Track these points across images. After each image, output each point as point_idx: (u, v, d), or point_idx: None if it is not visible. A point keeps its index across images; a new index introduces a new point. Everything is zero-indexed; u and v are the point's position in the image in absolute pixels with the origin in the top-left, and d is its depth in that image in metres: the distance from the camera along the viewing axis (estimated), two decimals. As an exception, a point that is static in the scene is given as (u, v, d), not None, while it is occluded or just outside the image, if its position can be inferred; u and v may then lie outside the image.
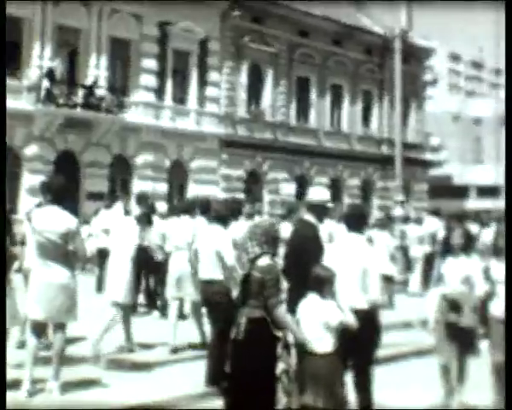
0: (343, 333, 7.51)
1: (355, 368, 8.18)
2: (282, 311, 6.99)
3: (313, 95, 47.04)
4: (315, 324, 7.42)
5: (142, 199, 15.62)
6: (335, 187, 47.68)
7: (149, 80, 38.80)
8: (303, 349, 7.45)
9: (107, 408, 8.70)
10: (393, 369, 10.97)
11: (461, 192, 66.48)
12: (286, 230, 11.29)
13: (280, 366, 6.92)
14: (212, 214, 11.29)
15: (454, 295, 9.12)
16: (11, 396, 8.28)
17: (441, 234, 17.95)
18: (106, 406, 8.73)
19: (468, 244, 9.51)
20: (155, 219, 16.29)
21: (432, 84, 66.50)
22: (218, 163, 41.70)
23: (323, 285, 7.55)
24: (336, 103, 48.70)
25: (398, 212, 28.02)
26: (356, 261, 8.10)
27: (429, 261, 17.41)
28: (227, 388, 7.23)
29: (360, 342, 7.83)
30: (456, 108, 76.70)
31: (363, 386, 8.19)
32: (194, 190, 38.62)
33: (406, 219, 25.97)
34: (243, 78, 43.08)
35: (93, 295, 16.77)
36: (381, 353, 8.62)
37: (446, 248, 9.74)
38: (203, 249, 10.56)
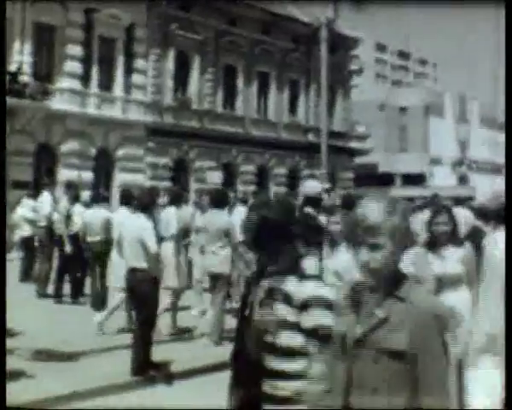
0: None
1: None
2: None
3: (240, 83, 47.08)
4: None
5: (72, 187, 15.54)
6: (262, 175, 47.93)
7: (75, 67, 38.33)
8: None
9: (32, 400, 8.60)
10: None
11: (386, 180, 67.14)
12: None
13: None
14: (134, 203, 11.31)
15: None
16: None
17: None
18: (29, 397, 8.62)
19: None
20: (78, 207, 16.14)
21: (358, 74, 66.86)
22: (144, 151, 41.45)
23: None
24: (263, 91, 48.85)
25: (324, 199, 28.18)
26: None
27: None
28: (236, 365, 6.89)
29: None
30: (382, 97, 77.41)
31: None
32: (120, 179, 38.36)
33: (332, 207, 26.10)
34: (170, 65, 42.86)
35: (17, 285, 16.54)
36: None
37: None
38: (127, 238, 10.56)
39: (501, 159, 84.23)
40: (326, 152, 32.39)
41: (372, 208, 3.23)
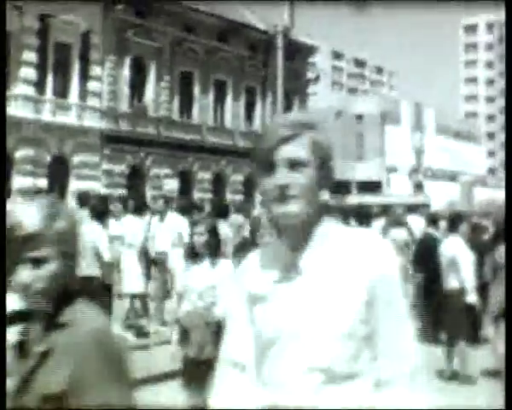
0: None
1: None
2: None
3: (196, 90, 47.06)
4: None
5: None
6: (218, 182, 47.91)
7: (29, 73, 38.01)
8: None
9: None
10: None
11: (342, 188, 67.48)
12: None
13: None
14: (89, 211, 11.25)
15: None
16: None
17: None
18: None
19: None
20: None
21: (315, 81, 67.25)
22: (99, 158, 41.22)
23: None
24: (220, 99, 48.87)
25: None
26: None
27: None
28: None
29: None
30: (338, 104, 77.92)
31: None
32: (75, 186, 38.10)
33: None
34: (126, 72, 42.71)
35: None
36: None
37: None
38: (82, 246, 10.50)
39: (455, 166, 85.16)
40: (282, 159, 32.40)
41: (29, 214, 2.49)
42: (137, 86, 43.64)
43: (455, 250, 10.61)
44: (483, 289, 10.80)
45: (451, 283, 10.57)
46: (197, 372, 6.29)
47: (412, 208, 24.62)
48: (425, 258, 12.74)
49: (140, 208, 14.22)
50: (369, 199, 51.98)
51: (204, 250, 6.58)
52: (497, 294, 9.81)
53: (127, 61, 42.73)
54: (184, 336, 6.56)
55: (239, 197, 46.52)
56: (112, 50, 41.72)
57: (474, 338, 10.76)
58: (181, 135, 45.46)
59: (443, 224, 16.19)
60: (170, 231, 13.20)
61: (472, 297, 10.20)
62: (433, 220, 15.08)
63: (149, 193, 42.73)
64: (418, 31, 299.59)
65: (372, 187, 68.21)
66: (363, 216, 13.06)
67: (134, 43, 42.76)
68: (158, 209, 14.20)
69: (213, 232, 6.67)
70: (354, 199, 57.88)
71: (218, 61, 48.24)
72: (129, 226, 13.07)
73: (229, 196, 47.21)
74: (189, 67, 46.51)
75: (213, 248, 6.63)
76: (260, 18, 50.82)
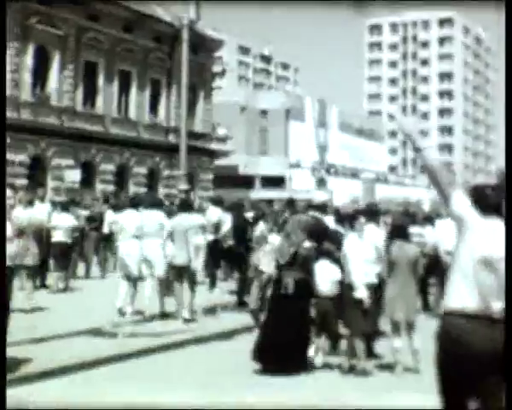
0: None
1: None
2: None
3: (101, 81, 46.54)
4: None
5: None
6: (122, 174, 47.57)
7: None
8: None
9: None
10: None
11: (246, 182, 67.84)
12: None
13: (313, 312, 10.92)
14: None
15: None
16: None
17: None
18: None
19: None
20: None
21: (220, 75, 67.40)
22: None
23: None
24: (124, 90, 48.46)
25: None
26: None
27: (212, 249, 17.62)
28: (267, 333, 10.71)
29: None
30: (243, 99, 78.14)
31: None
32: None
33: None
34: (29, 60, 41.85)
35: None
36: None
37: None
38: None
39: (358, 163, 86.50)
40: (185, 153, 32.34)
41: None
42: (40, 75, 42.85)
43: (347, 247, 10.88)
44: (380, 286, 11.07)
45: (346, 279, 10.83)
46: None
47: (315, 204, 24.90)
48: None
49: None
50: (272, 194, 52.47)
51: None
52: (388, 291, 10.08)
53: (30, 49, 41.89)
54: None
55: (142, 190, 46.24)
56: (14, 38, 40.76)
57: (368, 332, 10.97)
58: (84, 126, 44.84)
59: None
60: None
61: (360, 293, 10.42)
62: (339, 217, 15.34)
63: (50, 184, 42.12)
64: (324, 29, 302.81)
65: (276, 182, 68.78)
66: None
67: (38, 30, 41.96)
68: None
69: None
70: (258, 194, 58.30)
71: (122, 51, 47.80)
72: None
73: (132, 189, 46.92)
74: (93, 57, 45.95)
75: None
76: (166, 10, 50.57)
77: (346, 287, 10.73)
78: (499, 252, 4.98)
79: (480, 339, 4.87)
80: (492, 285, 4.96)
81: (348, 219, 12.35)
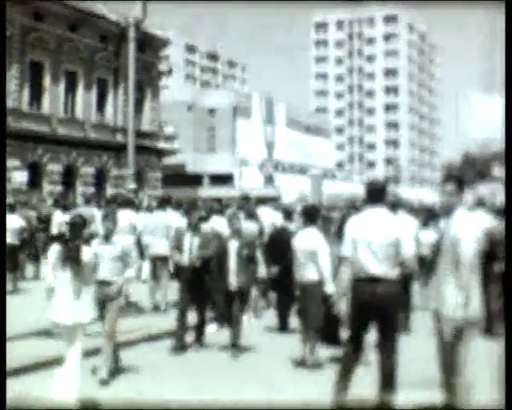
0: None
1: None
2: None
3: (47, 81, 46.24)
4: None
5: None
6: (69, 175, 47.33)
7: None
8: None
9: None
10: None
11: (194, 180, 67.90)
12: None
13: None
14: None
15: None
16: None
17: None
18: None
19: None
20: None
21: (167, 74, 67.29)
22: None
23: None
24: (70, 90, 48.18)
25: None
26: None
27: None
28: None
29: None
30: (191, 97, 78.19)
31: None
32: None
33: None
34: (-27, 61, 41.51)
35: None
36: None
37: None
38: None
39: (305, 159, 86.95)
40: (133, 152, 32.38)
41: None
42: (-15, 75, 42.48)
43: (313, 243, 11.02)
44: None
45: (309, 275, 10.99)
46: None
47: (263, 201, 25.11)
48: (281, 251, 13.14)
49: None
50: (220, 192, 52.58)
51: None
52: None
53: (-26, 50, 41.56)
54: None
55: (90, 190, 46.03)
56: (-43, 38, 40.46)
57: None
58: (30, 126, 44.54)
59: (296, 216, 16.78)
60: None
61: (330, 288, 10.57)
62: (287, 213, 15.56)
63: (-3, 185, 41.71)
64: (271, 27, 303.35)
65: (224, 180, 68.93)
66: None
67: (-19, 31, 41.63)
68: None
69: None
70: (206, 192, 58.39)
71: (68, 51, 47.53)
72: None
73: (79, 189, 46.73)
74: (39, 57, 45.63)
75: None
76: (112, 9, 50.42)
77: (313, 283, 10.86)
78: (377, 233, 7.97)
79: (367, 291, 7.95)
80: (371, 258, 7.96)
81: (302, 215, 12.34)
